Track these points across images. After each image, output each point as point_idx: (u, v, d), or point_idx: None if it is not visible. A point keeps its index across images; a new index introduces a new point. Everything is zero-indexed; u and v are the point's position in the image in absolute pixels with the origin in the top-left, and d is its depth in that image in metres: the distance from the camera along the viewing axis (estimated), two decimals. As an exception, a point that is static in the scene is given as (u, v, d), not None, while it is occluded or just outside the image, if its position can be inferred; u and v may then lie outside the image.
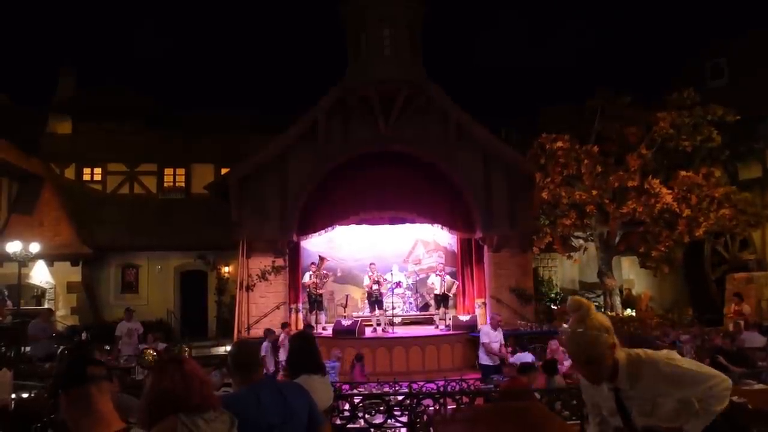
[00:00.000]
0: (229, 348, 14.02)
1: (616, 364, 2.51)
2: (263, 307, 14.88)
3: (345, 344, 13.13)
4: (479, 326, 14.53)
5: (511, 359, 10.46)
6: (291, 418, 2.88)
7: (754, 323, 11.78)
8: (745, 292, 14.98)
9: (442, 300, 15.05)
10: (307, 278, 14.76)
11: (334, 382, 7.23)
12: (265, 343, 11.01)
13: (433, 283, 15.33)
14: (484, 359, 10.61)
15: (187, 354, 8.86)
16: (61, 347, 12.06)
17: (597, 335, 2.48)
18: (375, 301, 14.62)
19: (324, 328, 14.56)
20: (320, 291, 14.75)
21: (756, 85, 17.69)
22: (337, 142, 15.28)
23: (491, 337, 10.60)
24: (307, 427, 3.00)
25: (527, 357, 9.99)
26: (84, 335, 14.53)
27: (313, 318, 14.78)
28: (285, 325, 12.55)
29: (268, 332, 11.68)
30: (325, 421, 3.25)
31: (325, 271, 15.01)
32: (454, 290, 15.25)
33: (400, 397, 5.94)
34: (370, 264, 15.21)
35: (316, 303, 14.68)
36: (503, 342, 10.89)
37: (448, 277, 15.32)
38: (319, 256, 15.30)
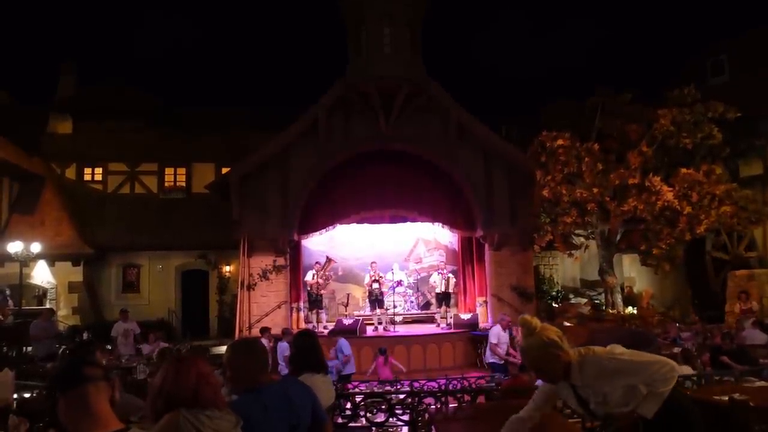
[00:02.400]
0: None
1: (569, 364, 2.87)
2: (264, 306, 14.89)
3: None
4: (482, 325, 14.57)
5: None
6: (299, 424, 2.85)
7: (756, 320, 11.77)
8: (747, 290, 14.97)
9: (443, 298, 15.06)
10: (309, 277, 14.77)
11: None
12: (282, 343, 10.76)
13: (434, 282, 15.33)
14: (491, 358, 10.62)
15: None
16: (62, 347, 12.09)
17: (540, 350, 2.87)
18: (376, 299, 14.64)
19: (325, 327, 14.57)
20: (321, 291, 14.75)
21: (757, 82, 17.67)
22: (338, 141, 15.28)
23: (501, 338, 10.60)
24: (311, 426, 2.98)
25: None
26: (86, 335, 14.56)
27: (313, 317, 14.79)
28: (264, 330, 12.28)
29: (286, 332, 11.54)
30: (328, 420, 3.25)
31: (330, 272, 15.01)
32: (452, 287, 15.24)
33: (401, 396, 5.94)
34: (371, 263, 15.22)
35: (317, 302, 14.69)
36: (509, 342, 10.87)
37: (450, 275, 15.32)
38: (327, 257, 15.31)
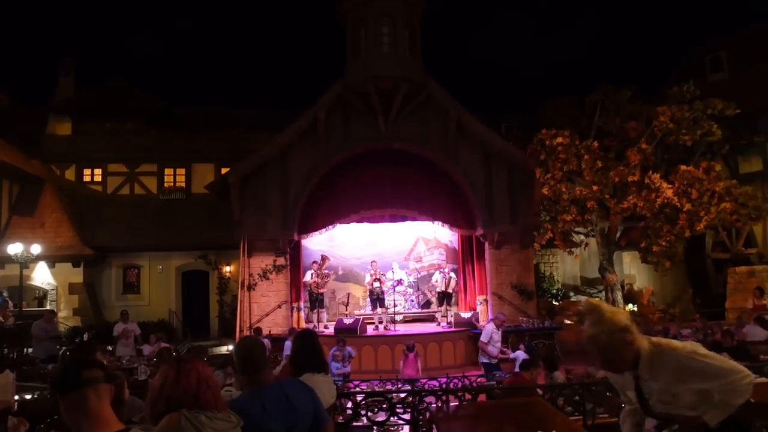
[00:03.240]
0: (231, 347, 14.06)
1: (638, 354, 2.60)
2: (265, 306, 14.90)
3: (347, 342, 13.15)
4: (482, 324, 14.56)
5: (511, 355, 10.47)
6: (296, 423, 2.85)
7: (758, 316, 11.74)
8: (747, 286, 14.99)
9: (445, 297, 15.06)
10: (308, 277, 14.78)
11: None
12: (287, 342, 10.99)
13: (436, 281, 15.34)
14: (483, 358, 10.50)
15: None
16: (63, 348, 12.09)
17: (611, 337, 2.58)
18: (377, 298, 14.64)
19: (326, 327, 14.57)
20: (321, 290, 14.75)
21: (756, 79, 17.69)
22: (337, 140, 15.28)
23: (493, 337, 10.43)
24: (312, 427, 2.98)
25: (521, 355, 9.99)
26: (87, 336, 14.56)
27: (314, 316, 14.80)
28: (258, 332, 12.37)
29: (292, 331, 11.60)
30: (329, 420, 3.24)
31: (326, 271, 15.00)
32: (453, 285, 15.24)
33: (402, 395, 5.94)
34: (372, 262, 15.23)
35: (317, 302, 14.69)
36: (501, 340, 10.78)
37: (452, 275, 15.32)
38: (321, 255, 15.31)
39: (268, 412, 2.75)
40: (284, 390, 2.92)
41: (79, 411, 1.99)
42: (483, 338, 10.48)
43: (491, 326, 10.61)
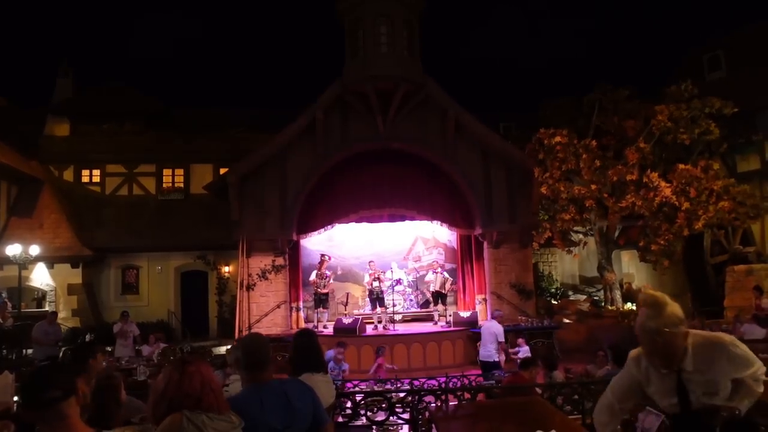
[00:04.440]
0: (230, 347, 14.07)
1: (686, 347, 2.58)
2: (264, 306, 14.90)
3: (346, 342, 13.15)
4: (481, 323, 14.56)
5: (519, 352, 10.46)
6: (294, 422, 2.85)
7: (755, 314, 11.77)
8: (745, 284, 14.99)
9: (439, 297, 15.07)
10: (313, 276, 14.79)
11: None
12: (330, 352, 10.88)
13: (430, 280, 15.36)
14: (495, 356, 10.26)
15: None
16: (64, 348, 12.07)
17: (674, 332, 2.56)
18: (376, 298, 14.63)
19: (325, 326, 14.57)
20: (324, 290, 14.71)
21: (754, 78, 17.70)
22: (336, 140, 15.28)
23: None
24: (311, 427, 2.98)
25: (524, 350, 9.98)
26: (89, 337, 14.54)
27: (315, 316, 14.80)
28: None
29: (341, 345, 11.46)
30: (329, 420, 3.24)
31: (326, 271, 14.99)
32: (448, 286, 15.23)
33: (401, 394, 5.95)
34: (370, 262, 15.23)
35: (319, 301, 14.68)
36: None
37: (445, 273, 15.32)
38: (321, 255, 15.30)
39: (266, 409, 2.76)
40: (284, 388, 2.92)
41: (44, 426, 2.09)
42: (500, 338, 10.34)
43: (499, 326, 10.51)
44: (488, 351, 10.30)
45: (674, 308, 2.62)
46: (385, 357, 11.31)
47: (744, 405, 2.56)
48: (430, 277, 15.41)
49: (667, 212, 14.96)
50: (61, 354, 11.52)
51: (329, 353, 10.42)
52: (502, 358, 10.41)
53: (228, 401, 2.42)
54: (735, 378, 2.54)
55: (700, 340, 2.60)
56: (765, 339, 10.29)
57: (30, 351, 12.43)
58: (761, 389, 2.56)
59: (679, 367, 2.59)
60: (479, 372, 9.66)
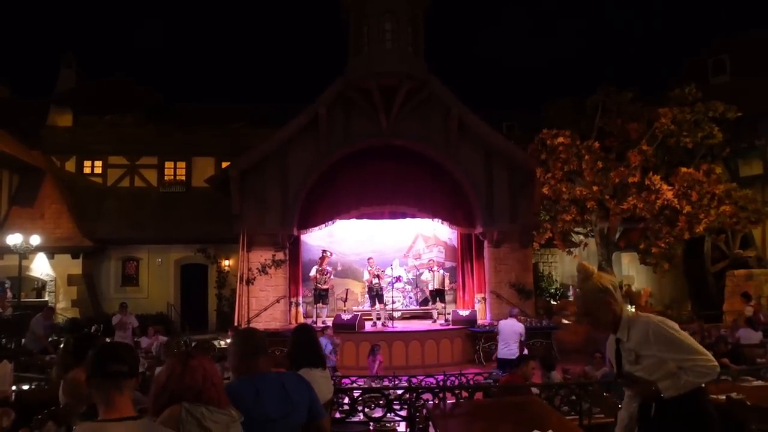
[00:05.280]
0: (229, 341, 14.10)
1: (619, 318, 2.94)
2: (263, 301, 14.91)
3: (344, 338, 13.18)
4: (480, 322, 14.57)
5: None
6: (291, 413, 2.85)
7: (748, 319, 11.74)
8: (745, 289, 14.99)
9: (437, 295, 15.07)
10: (313, 272, 14.80)
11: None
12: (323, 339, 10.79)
13: (426, 279, 15.36)
14: (516, 353, 10.07)
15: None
16: (68, 336, 12.10)
17: (594, 295, 2.94)
18: (376, 295, 14.63)
19: (324, 322, 14.57)
20: (324, 286, 14.70)
21: (758, 82, 17.67)
22: (338, 136, 15.27)
23: None
24: (307, 420, 2.99)
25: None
26: (94, 328, 14.56)
27: (314, 311, 14.80)
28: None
29: (326, 329, 11.42)
30: (325, 415, 3.25)
31: (328, 267, 14.99)
32: (447, 283, 15.22)
33: (399, 392, 5.95)
34: (368, 258, 15.23)
35: (319, 297, 14.68)
36: None
37: (441, 271, 15.32)
38: (322, 251, 15.30)
39: (262, 397, 2.77)
40: (281, 379, 2.94)
41: (98, 395, 2.14)
42: (523, 336, 10.43)
43: (519, 324, 10.55)
44: (511, 349, 10.10)
45: (601, 278, 2.97)
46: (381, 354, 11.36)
47: (665, 386, 2.75)
48: (426, 276, 15.41)
49: (669, 215, 14.95)
50: (63, 343, 11.53)
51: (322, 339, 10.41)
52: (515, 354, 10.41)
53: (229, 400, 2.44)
54: (661, 356, 2.77)
55: (633, 316, 2.95)
56: (761, 344, 10.29)
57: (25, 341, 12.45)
58: (695, 379, 2.72)
59: (617, 336, 2.95)
60: (477, 371, 9.68)
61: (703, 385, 2.82)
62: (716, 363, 2.80)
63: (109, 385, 2.11)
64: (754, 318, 11.87)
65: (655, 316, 2.91)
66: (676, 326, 2.86)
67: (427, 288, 15.61)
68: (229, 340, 14.07)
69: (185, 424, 2.20)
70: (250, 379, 2.85)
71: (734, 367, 7.33)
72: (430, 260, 16.27)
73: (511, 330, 10.39)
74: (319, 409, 3.10)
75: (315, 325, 13.18)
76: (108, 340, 11.41)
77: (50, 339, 12.11)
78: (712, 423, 2.80)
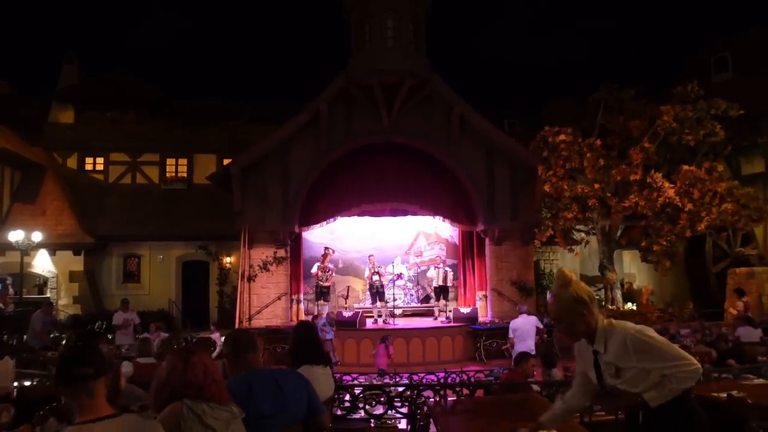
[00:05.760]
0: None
1: (595, 329, 2.86)
2: (264, 298, 14.93)
3: (345, 335, 13.19)
4: (481, 319, 14.57)
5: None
6: (285, 409, 2.87)
7: (745, 317, 11.71)
8: (746, 287, 14.98)
9: (441, 292, 15.07)
10: (315, 269, 14.80)
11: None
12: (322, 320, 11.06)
13: (432, 275, 15.35)
14: (523, 346, 10.04)
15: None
16: (71, 332, 12.12)
17: (567, 303, 2.88)
18: (377, 292, 14.63)
19: (325, 320, 14.57)
20: (326, 283, 14.69)
21: (760, 80, 17.63)
22: (340, 134, 15.26)
23: None
24: (306, 417, 3.01)
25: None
26: (98, 324, 14.58)
27: (315, 308, 14.81)
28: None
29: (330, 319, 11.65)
30: (325, 411, 3.26)
31: (330, 264, 14.98)
32: (450, 279, 15.23)
33: (400, 389, 5.95)
34: (369, 255, 15.22)
35: (321, 294, 14.68)
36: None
37: (447, 269, 15.33)
38: (325, 248, 15.29)
39: (254, 392, 2.80)
40: (275, 376, 2.96)
41: (69, 401, 2.17)
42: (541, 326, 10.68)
43: (535, 318, 10.71)
44: (530, 346, 10.07)
45: (578, 288, 2.88)
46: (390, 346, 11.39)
47: (651, 397, 2.71)
48: (432, 272, 15.41)
49: (670, 213, 14.94)
50: (68, 337, 11.57)
51: (321, 321, 10.47)
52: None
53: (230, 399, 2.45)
54: (642, 367, 2.72)
55: (608, 326, 2.85)
56: (762, 342, 10.27)
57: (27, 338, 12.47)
58: (679, 385, 2.68)
59: (594, 348, 2.88)
60: (478, 368, 9.66)
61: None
62: (698, 366, 2.77)
63: (77, 389, 2.12)
64: (744, 315, 11.87)
65: (631, 326, 2.86)
66: (653, 333, 2.82)
67: (431, 285, 15.60)
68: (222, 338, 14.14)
69: (186, 421, 2.21)
70: (244, 377, 2.88)
71: (735, 366, 7.32)
72: (437, 256, 16.28)
73: (529, 325, 10.43)
74: (318, 406, 3.11)
75: (315, 322, 13.21)
76: (111, 336, 11.47)
77: (51, 335, 12.13)
78: (699, 423, 2.78)
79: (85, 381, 2.13)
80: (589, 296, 2.89)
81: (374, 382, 7.26)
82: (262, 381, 2.88)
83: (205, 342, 12.14)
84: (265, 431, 2.75)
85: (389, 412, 5.62)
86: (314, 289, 15.01)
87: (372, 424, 5.45)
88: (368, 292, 15.33)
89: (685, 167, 15.05)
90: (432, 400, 5.65)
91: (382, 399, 5.68)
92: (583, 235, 17.41)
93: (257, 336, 3.19)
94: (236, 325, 14.54)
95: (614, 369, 2.80)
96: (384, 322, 14.39)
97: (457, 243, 17.03)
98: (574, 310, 2.86)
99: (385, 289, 14.79)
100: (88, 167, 20.72)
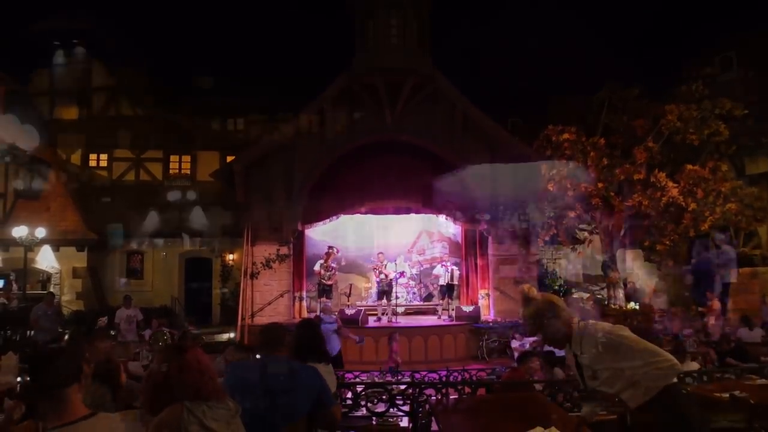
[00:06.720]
0: (232, 335, 14.22)
1: (570, 333, 2.93)
2: (267, 295, 14.93)
3: (347, 333, 13.17)
4: (484, 318, 14.56)
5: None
6: (293, 391, 3.00)
7: (744, 318, 11.67)
8: (750, 287, 14.96)
9: (448, 290, 15.06)
10: (317, 267, 14.78)
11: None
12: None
13: (438, 273, 15.32)
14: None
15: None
16: (72, 328, 12.14)
17: (533, 318, 3.00)
18: (383, 290, 14.60)
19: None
20: (329, 282, 14.67)
21: (765, 80, 17.55)
22: (343, 131, 15.25)
23: None
24: (317, 408, 3.16)
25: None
26: (104, 320, 14.62)
27: (318, 306, 14.80)
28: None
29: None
30: (335, 404, 3.42)
31: (333, 263, 14.96)
32: (456, 277, 15.22)
33: (402, 387, 5.96)
34: (379, 253, 15.17)
35: (323, 292, 14.66)
36: None
37: (454, 267, 15.32)
38: (328, 247, 15.27)
39: (269, 373, 3.01)
40: (292, 365, 3.17)
41: (43, 408, 2.18)
42: None
43: None
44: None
45: (540, 302, 3.00)
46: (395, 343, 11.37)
47: (629, 396, 2.70)
48: (439, 270, 15.37)
49: (674, 212, 14.90)
50: (69, 334, 11.59)
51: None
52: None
53: (233, 365, 2.49)
54: (616, 367, 2.73)
55: (582, 328, 2.91)
56: (763, 342, 10.26)
57: (33, 332, 12.52)
58: (657, 382, 2.67)
59: (573, 351, 2.94)
60: (480, 366, 9.67)
61: (675, 379, 2.77)
62: (675, 362, 2.74)
63: (51, 396, 2.12)
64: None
65: (603, 326, 2.89)
66: (626, 332, 2.83)
67: (436, 283, 15.58)
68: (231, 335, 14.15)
69: (187, 425, 2.17)
70: (264, 358, 3.12)
71: (739, 365, 7.31)
72: (443, 254, 16.26)
73: None
74: (329, 399, 3.34)
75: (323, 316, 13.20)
76: (113, 332, 11.48)
77: (59, 326, 12.17)
78: (690, 421, 2.72)
79: (58, 389, 2.12)
80: (555, 302, 2.98)
81: (376, 379, 7.27)
82: (279, 365, 3.09)
83: (193, 337, 12.05)
84: (263, 426, 2.79)
85: (391, 410, 5.63)
86: (317, 286, 15.01)
87: (374, 422, 5.46)
88: (376, 289, 15.32)
89: (689, 167, 15.00)
90: (434, 398, 5.66)
91: (384, 397, 5.69)
92: (586, 234, 17.38)
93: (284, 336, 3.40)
94: (239, 323, 14.57)
95: (591, 371, 2.83)
96: (388, 320, 14.39)
97: (460, 241, 17.01)
98: (542, 317, 2.95)
99: (392, 288, 14.75)
100: (92, 164, 20.77)
